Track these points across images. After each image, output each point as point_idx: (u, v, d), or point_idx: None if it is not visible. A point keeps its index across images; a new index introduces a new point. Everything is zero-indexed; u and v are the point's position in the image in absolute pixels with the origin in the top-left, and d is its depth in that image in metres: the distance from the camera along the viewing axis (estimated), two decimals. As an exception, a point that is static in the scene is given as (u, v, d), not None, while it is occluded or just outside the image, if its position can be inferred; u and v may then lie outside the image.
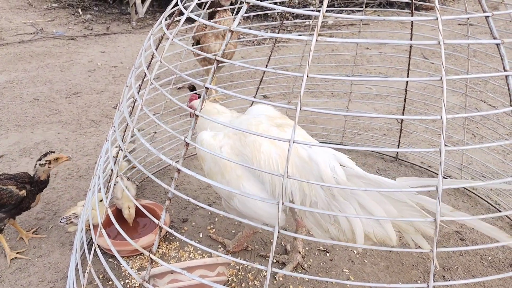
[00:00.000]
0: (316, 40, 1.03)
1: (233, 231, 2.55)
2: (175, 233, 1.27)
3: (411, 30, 2.84)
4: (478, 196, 2.91)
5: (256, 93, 3.50)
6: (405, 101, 3.16)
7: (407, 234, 1.77)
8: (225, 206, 2.14)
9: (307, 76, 1.04)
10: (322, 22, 0.99)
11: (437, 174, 3.19)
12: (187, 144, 1.26)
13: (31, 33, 6.61)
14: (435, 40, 1.04)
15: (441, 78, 1.01)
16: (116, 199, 2.44)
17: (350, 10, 7.44)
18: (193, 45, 4.46)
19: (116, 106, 4.15)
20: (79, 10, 7.90)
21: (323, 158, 1.81)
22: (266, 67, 3.30)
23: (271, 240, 2.49)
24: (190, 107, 2.29)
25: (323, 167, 1.79)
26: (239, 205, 1.96)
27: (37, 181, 2.38)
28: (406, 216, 1.72)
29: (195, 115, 1.23)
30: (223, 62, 1.14)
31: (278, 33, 3.20)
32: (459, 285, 2.21)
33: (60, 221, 2.30)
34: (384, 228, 1.76)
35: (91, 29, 6.96)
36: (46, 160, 2.35)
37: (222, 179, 1.92)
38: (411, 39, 2.86)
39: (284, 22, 2.96)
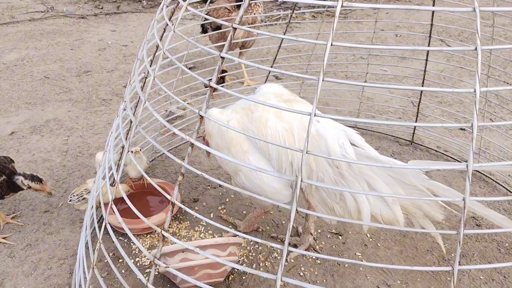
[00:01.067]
0: (342, 6, 0.96)
1: (244, 212, 2.52)
2: (187, 209, 1.23)
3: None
4: (495, 181, 2.83)
5: (268, 73, 3.43)
6: (423, 82, 3.06)
7: (415, 218, 1.72)
8: (233, 184, 2.12)
9: (331, 44, 0.97)
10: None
11: (453, 159, 3.10)
12: (202, 117, 1.20)
13: (42, 12, 6.55)
14: (469, 8, 0.96)
15: (476, 48, 0.93)
16: (124, 165, 2.39)
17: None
18: (204, 29, 4.15)
19: (126, 85, 4.11)
20: (90, -11, 7.81)
21: (331, 134, 1.76)
22: (279, 47, 3.21)
23: (283, 222, 2.45)
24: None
25: (331, 143, 1.74)
26: (245, 181, 1.94)
27: (14, 182, 2.26)
28: (417, 202, 1.67)
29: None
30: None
31: (291, 15, 3.10)
32: (475, 271, 2.16)
33: (71, 200, 2.28)
34: (392, 210, 1.71)
35: (102, 8, 6.88)
36: (28, 184, 2.25)
37: (228, 153, 1.90)
38: (433, 6, 2.74)
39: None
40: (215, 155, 2.07)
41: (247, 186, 1.95)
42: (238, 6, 3.79)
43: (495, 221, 1.45)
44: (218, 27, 3.82)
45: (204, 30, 4.19)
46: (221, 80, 3.66)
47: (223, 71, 3.74)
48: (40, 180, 2.27)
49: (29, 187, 2.26)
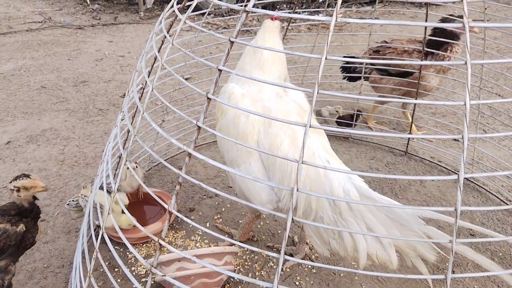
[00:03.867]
0: (336, 20, 0.99)
1: (240, 221, 2.53)
2: (185, 218, 1.25)
3: (427, 11, 2.77)
4: (489, 192, 2.87)
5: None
6: (417, 94, 3.11)
7: (408, 257, 1.73)
8: (228, 174, 2.09)
9: (326, 58, 1.00)
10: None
11: (447, 169, 3.11)
12: (199, 128, 1.22)
13: (39, 22, 6.60)
14: (459, 24, 1.00)
15: (466, 62, 0.97)
16: (120, 180, 2.40)
17: (360, 4, 7.36)
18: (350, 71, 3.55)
19: (124, 95, 4.14)
20: (87, 0, 7.87)
21: (337, 178, 1.76)
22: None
23: (278, 231, 2.47)
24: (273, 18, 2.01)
25: (336, 186, 1.74)
26: (237, 177, 1.93)
27: (24, 209, 1.86)
28: (412, 243, 1.67)
29: (208, 98, 1.19)
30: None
31: (288, 28, 3.15)
32: (469, 280, 2.18)
33: (68, 204, 2.27)
34: (387, 252, 1.72)
35: (99, 19, 6.94)
36: (14, 187, 1.81)
37: (234, 144, 1.87)
38: (426, 20, 2.80)
39: (296, 10, 2.91)
40: (217, 132, 1.98)
41: (238, 182, 1.94)
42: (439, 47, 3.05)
43: (484, 266, 1.46)
44: (404, 73, 3.17)
45: (348, 72, 3.58)
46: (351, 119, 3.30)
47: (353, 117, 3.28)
48: (27, 176, 1.84)
49: (18, 190, 1.82)
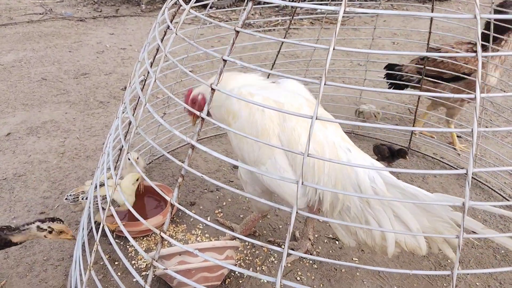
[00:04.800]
0: (344, 11, 0.97)
1: (241, 216, 2.51)
2: (187, 211, 1.23)
3: (432, 4, 2.74)
4: (491, 188, 2.85)
5: (268, 76, 3.43)
6: (421, 89, 3.08)
7: (435, 243, 1.72)
8: (245, 178, 2.02)
9: (333, 49, 0.98)
10: (333, 14, 0.92)
11: (450, 166, 3.09)
12: (203, 119, 1.20)
13: (40, 13, 6.56)
14: (471, 14, 0.97)
15: (477, 55, 0.95)
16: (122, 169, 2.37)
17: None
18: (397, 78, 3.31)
19: (125, 88, 4.11)
20: (88, -8, 7.82)
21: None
22: (278, 52, 3.23)
23: (280, 226, 2.45)
24: (193, 101, 2.03)
25: (362, 175, 1.73)
26: (265, 176, 1.87)
27: (4, 239, 1.81)
28: (438, 229, 1.66)
29: (212, 88, 1.16)
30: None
31: (291, 21, 3.12)
32: (472, 277, 2.17)
33: (66, 198, 2.26)
34: (416, 239, 1.71)
35: (100, 11, 6.90)
36: (49, 227, 1.85)
37: (254, 143, 1.80)
38: (432, 12, 2.76)
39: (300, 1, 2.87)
40: (232, 138, 1.91)
41: (266, 181, 1.89)
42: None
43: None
44: (457, 77, 2.94)
45: (394, 78, 3.34)
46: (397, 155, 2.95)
47: (403, 152, 2.93)
48: (61, 220, 1.91)
49: (50, 231, 1.86)
